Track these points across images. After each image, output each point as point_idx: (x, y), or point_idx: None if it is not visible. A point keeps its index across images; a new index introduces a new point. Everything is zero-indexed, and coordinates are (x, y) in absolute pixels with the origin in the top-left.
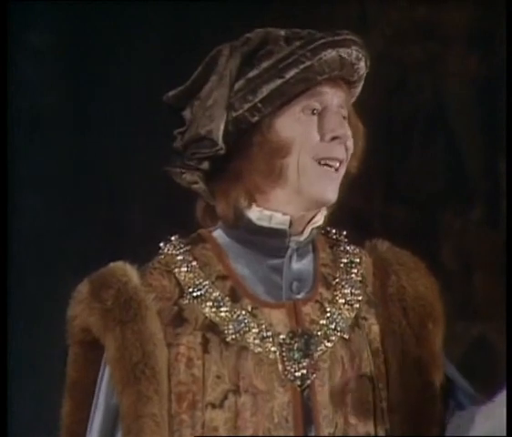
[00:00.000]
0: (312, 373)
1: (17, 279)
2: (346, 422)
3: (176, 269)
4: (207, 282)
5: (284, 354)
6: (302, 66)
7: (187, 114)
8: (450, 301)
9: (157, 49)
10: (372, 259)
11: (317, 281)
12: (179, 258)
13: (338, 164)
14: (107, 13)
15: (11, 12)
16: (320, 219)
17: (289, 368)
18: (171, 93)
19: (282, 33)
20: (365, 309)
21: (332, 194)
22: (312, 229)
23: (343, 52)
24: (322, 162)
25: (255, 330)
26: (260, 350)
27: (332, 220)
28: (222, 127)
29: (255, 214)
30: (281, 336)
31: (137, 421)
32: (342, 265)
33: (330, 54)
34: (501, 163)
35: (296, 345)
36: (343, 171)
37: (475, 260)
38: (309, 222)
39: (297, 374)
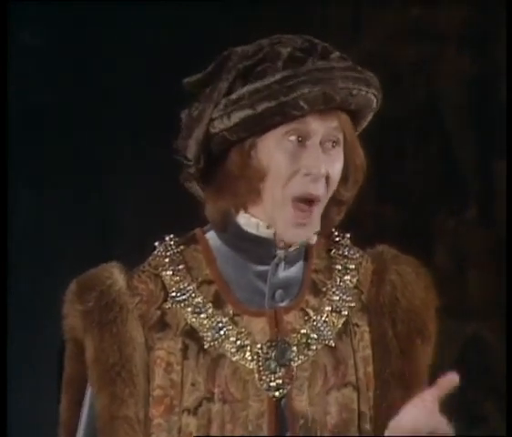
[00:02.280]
0: (288, 383)
1: (16, 279)
2: (327, 431)
3: (163, 272)
4: (191, 287)
5: (260, 363)
6: (275, 102)
7: (184, 114)
8: (444, 301)
9: (156, 49)
10: (374, 265)
11: (304, 289)
12: (167, 260)
13: (314, 200)
14: (106, 13)
15: (11, 12)
16: (313, 238)
17: (264, 377)
18: (187, 79)
19: (287, 50)
20: (358, 316)
21: (300, 238)
22: (301, 242)
23: (329, 89)
24: (296, 203)
25: (233, 339)
26: (237, 358)
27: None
28: (199, 143)
29: (243, 220)
30: (258, 345)
31: (110, 422)
32: (335, 271)
33: (309, 92)
34: (495, 163)
35: (272, 354)
36: (320, 208)
37: (469, 260)
38: None
39: (272, 384)
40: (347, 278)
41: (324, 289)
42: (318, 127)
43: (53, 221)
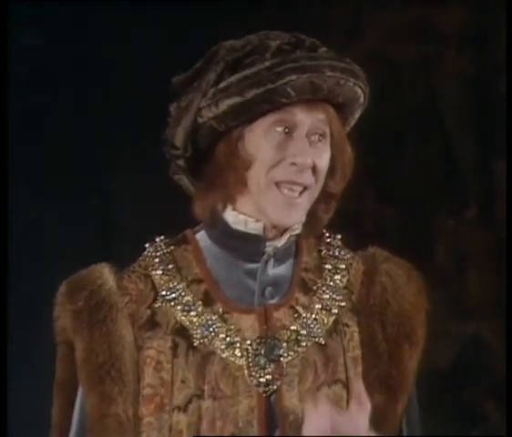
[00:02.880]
0: (277, 379)
1: (16, 279)
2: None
3: (153, 272)
4: (181, 286)
5: (250, 359)
6: (262, 89)
7: (172, 107)
8: (444, 300)
9: (155, 49)
10: (365, 266)
11: (294, 286)
12: (157, 260)
13: (301, 188)
14: (106, 13)
15: (11, 12)
16: (298, 227)
17: (254, 373)
18: (175, 78)
19: (275, 43)
20: (348, 317)
21: (290, 219)
22: (290, 236)
23: (316, 77)
24: (282, 186)
25: (222, 336)
26: (226, 354)
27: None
28: (187, 130)
29: (231, 217)
30: (248, 341)
31: (100, 421)
32: (325, 270)
33: (297, 79)
34: (495, 163)
35: (262, 350)
36: (310, 196)
37: (469, 260)
38: (287, 228)
39: (261, 380)
40: (337, 277)
41: (315, 288)
42: (305, 118)
43: (53, 221)
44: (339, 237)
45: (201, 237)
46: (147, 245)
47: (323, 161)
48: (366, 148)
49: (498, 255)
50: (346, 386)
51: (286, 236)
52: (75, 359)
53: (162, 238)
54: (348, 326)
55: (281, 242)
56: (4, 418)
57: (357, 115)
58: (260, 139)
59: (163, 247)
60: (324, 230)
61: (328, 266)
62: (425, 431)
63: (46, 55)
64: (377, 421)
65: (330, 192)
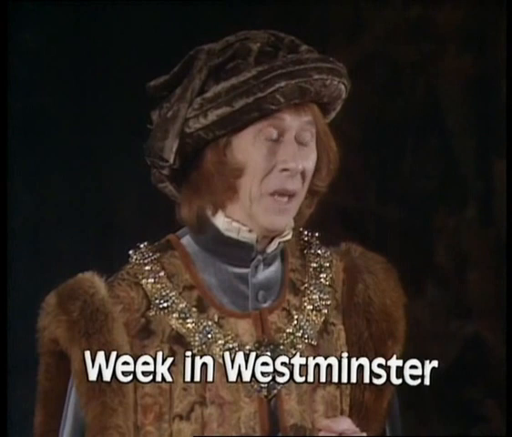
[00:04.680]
0: (277, 382)
1: (16, 279)
2: (315, 429)
3: (143, 280)
4: (174, 293)
5: (250, 364)
6: (252, 98)
7: (154, 115)
8: (444, 300)
9: (156, 49)
10: (343, 263)
11: (285, 288)
12: (147, 268)
13: (291, 194)
14: (106, 13)
15: (11, 12)
16: (288, 234)
17: (254, 378)
18: (152, 82)
19: (256, 46)
20: (334, 315)
21: (280, 224)
22: (280, 243)
23: (303, 82)
24: (275, 195)
25: (221, 342)
26: (226, 360)
27: (324, 220)
28: (175, 144)
29: (223, 225)
30: (247, 346)
31: (102, 432)
32: (311, 269)
33: (286, 85)
34: (495, 162)
35: (261, 355)
36: (298, 200)
37: (469, 259)
38: (277, 235)
39: (262, 385)
40: (322, 276)
41: (303, 289)
42: (292, 122)
43: (52, 221)
44: (316, 234)
45: (188, 242)
46: (131, 252)
47: (311, 163)
48: (366, 148)
49: (498, 254)
50: (339, 386)
51: (276, 242)
52: (64, 370)
53: (146, 244)
54: (334, 325)
55: (271, 248)
56: (4, 418)
57: (338, 108)
58: (248, 147)
59: (150, 254)
60: (301, 229)
61: (313, 264)
62: (426, 430)
63: (46, 55)
64: (366, 417)
65: (315, 190)
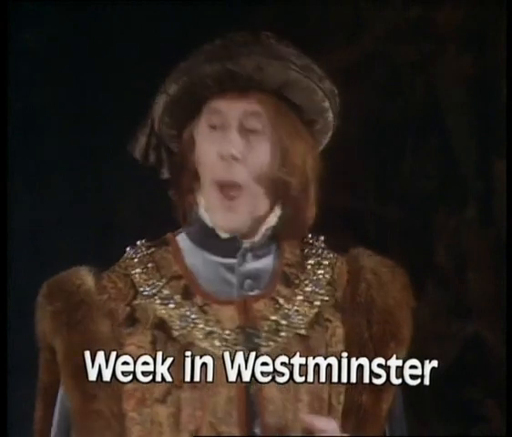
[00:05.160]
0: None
1: (16, 279)
2: (297, 419)
3: (132, 271)
4: (160, 283)
5: (229, 349)
6: (181, 82)
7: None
8: (444, 300)
9: (156, 49)
10: (348, 265)
11: (276, 279)
12: (136, 260)
13: (236, 188)
14: (106, 13)
15: (11, 12)
16: (272, 220)
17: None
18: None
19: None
20: (331, 312)
21: (232, 223)
22: (267, 230)
23: (231, 64)
24: (221, 187)
25: (201, 326)
26: (205, 345)
27: (325, 220)
28: (143, 142)
29: (207, 216)
30: (227, 331)
31: (85, 418)
32: (308, 266)
33: (211, 68)
34: (495, 162)
35: (240, 340)
36: (249, 195)
37: (469, 259)
38: (261, 223)
39: (240, 369)
40: (320, 272)
41: (297, 282)
42: (233, 109)
43: (52, 221)
44: (322, 238)
45: (181, 237)
46: (128, 248)
47: (258, 157)
48: (366, 148)
49: (498, 254)
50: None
51: (262, 230)
52: (57, 362)
53: (144, 241)
54: (330, 321)
55: (257, 237)
56: (4, 418)
57: (313, 98)
58: (200, 140)
59: (143, 249)
60: (309, 234)
61: (311, 261)
62: (426, 430)
63: (46, 55)
64: (362, 420)
65: (284, 183)
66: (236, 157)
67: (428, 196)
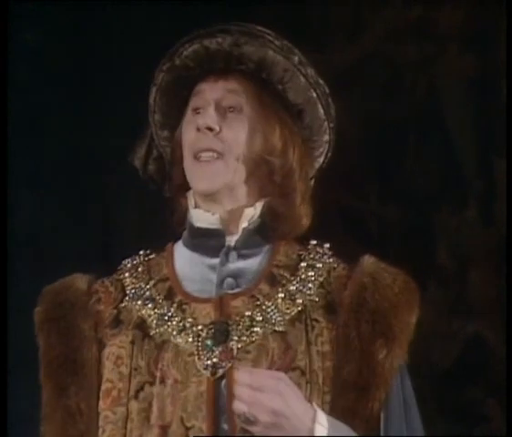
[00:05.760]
0: (224, 362)
1: (16, 280)
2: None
3: (122, 275)
4: (147, 285)
5: (199, 344)
6: (164, 68)
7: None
8: (446, 300)
9: (156, 49)
10: (350, 272)
11: (260, 279)
12: (129, 265)
13: (214, 155)
14: (106, 13)
15: (11, 12)
16: (249, 214)
17: (202, 357)
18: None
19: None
20: (320, 313)
21: (208, 183)
22: (244, 229)
23: (209, 42)
24: (197, 156)
25: (176, 323)
26: (179, 340)
27: (326, 220)
28: (143, 151)
29: (194, 215)
30: (200, 326)
31: (52, 412)
32: (301, 269)
33: (190, 47)
34: (496, 162)
35: (209, 334)
36: (226, 163)
37: (470, 259)
38: (242, 214)
39: (208, 362)
40: (311, 273)
41: (283, 282)
42: (213, 90)
43: (53, 221)
44: (327, 245)
45: (178, 244)
46: (129, 259)
47: (234, 131)
48: (367, 148)
49: (500, 254)
50: (305, 374)
51: (242, 225)
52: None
53: (148, 252)
54: (318, 321)
55: (238, 234)
56: (4, 418)
57: (295, 83)
58: (184, 127)
59: (142, 257)
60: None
61: (304, 264)
62: (427, 430)
63: (46, 55)
64: (348, 418)
65: (267, 163)
66: (211, 128)
67: (429, 196)
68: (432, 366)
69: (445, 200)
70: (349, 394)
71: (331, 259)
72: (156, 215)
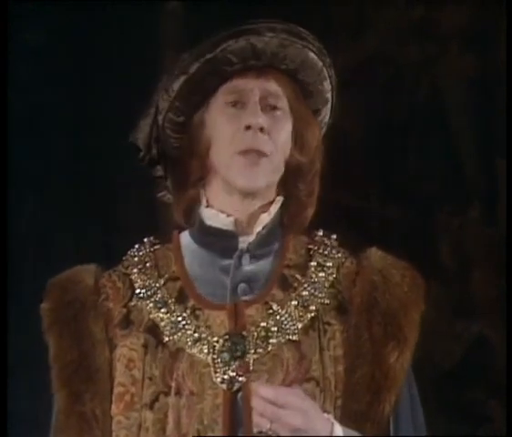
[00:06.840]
0: (241, 376)
1: (16, 279)
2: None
3: (131, 270)
4: (157, 284)
5: (215, 356)
6: (203, 60)
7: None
8: (448, 300)
9: (156, 49)
10: (359, 267)
11: (272, 283)
12: (136, 259)
13: (260, 153)
14: (106, 13)
15: (11, 12)
16: (265, 219)
17: (219, 370)
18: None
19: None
20: (332, 315)
21: (254, 181)
22: (259, 233)
23: (256, 40)
24: (245, 154)
25: (190, 332)
26: (194, 351)
27: (328, 220)
28: (147, 132)
29: (205, 213)
30: (215, 338)
31: (66, 419)
32: (311, 268)
33: (235, 43)
34: (498, 162)
35: (226, 347)
36: (271, 162)
37: (472, 259)
38: (259, 217)
39: (225, 377)
40: (322, 275)
41: (295, 285)
42: (254, 86)
43: (53, 221)
44: (334, 237)
45: (184, 235)
46: (136, 246)
47: (279, 132)
48: (369, 148)
49: (502, 254)
50: (320, 384)
51: (256, 229)
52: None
53: (152, 238)
54: (330, 324)
55: (252, 237)
56: (4, 418)
57: (324, 92)
58: (215, 118)
59: (147, 246)
60: (318, 230)
61: (314, 263)
62: (429, 430)
63: (47, 55)
64: (359, 422)
65: (298, 165)
66: (263, 128)
67: (432, 196)
68: (435, 366)
69: (447, 200)
70: (361, 398)
71: (339, 254)
72: (156, 215)
